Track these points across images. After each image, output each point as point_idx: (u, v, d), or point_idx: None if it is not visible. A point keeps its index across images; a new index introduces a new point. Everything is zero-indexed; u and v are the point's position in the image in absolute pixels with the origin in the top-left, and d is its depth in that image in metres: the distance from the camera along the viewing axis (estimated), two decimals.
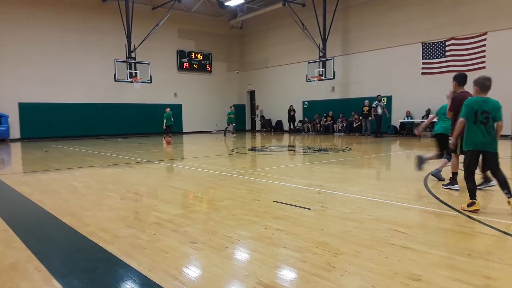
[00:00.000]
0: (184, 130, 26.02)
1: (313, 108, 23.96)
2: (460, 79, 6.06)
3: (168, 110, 19.49)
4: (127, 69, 21.00)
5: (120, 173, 8.72)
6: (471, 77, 5.29)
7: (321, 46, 21.51)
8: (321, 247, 3.50)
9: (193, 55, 26.73)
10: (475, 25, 16.75)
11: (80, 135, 22.27)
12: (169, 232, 4.09)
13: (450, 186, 6.14)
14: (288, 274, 3.01)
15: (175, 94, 25.80)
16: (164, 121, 19.34)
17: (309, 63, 22.07)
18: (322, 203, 5.33)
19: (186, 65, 26.45)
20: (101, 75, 22.38)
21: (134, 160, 10.93)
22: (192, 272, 3.09)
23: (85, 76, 22.23)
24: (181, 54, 26.15)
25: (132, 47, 21.07)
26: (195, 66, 26.93)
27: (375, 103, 18.66)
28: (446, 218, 4.52)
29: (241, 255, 3.47)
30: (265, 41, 26.99)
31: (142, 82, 21.47)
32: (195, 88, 26.88)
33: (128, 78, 21.11)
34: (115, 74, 20.67)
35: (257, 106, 28.67)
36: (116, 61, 20.70)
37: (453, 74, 6.54)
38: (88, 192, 6.45)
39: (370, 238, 3.74)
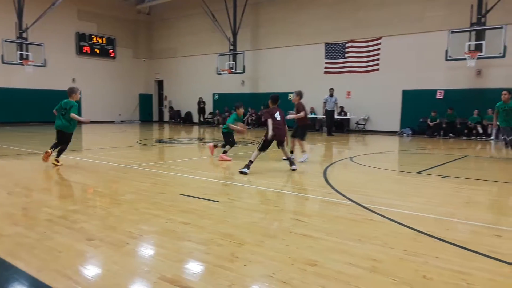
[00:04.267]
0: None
1: (223, 101, 24.05)
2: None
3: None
4: (17, 51, 18.85)
5: (7, 165, 7.79)
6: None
7: (231, 39, 21.65)
8: (226, 239, 3.53)
9: (94, 39, 24.93)
10: (372, 30, 18.33)
11: None
12: (63, 229, 3.77)
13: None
14: (191, 267, 2.98)
15: (73, 80, 23.74)
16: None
17: (219, 55, 22.08)
18: (229, 196, 5.38)
19: (87, 49, 24.58)
20: None
21: (24, 151, 9.85)
22: (88, 270, 2.89)
23: None
24: (81, 37, 24.23)
25: (24, 26, 18.93)
26: (97, 51, 25.16)
27: (326, 97, 17.65)
28: (341, 206, 4.89)
29: (143, 250, 3.34)
30: (175, 29, 26.29)
31: (34, 66, 19.43)
32: (96, 74, 25.11)
33: (18, 61, 18.96)
34: (2, 56, 18.43)
35: (166, 96, 27.86)
36: (4, 41, 18.43)
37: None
38: None
39: (273, 228, 3.88)
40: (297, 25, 20.52)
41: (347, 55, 19.07)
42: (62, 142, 7.77)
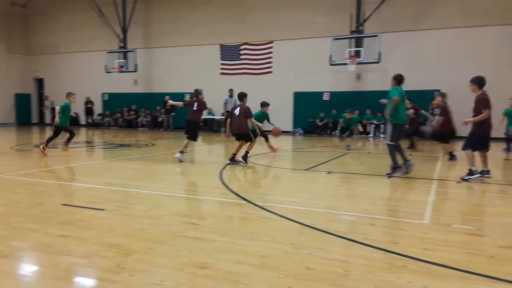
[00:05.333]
0: None
1: (114, 101, 22.68)
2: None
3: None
4: None
5: None
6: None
7: (121, 36, 20.55)
8: (112, 249, 3.30)
9: None
10: (264, 34, 19.03)
11: None
12: None
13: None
14: (70, 284, 2.72)
15: None
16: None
17: (108, 53, 20.77)
18: (118, 203, 5.06)
19: None
20: None
21: None
22: None
23: None
24: None
25: None
26: None
27: (227, 98, 18.00)
28: (235, 206, 4.96)
29: (13, 271, 2.95)
30: (56, 24, 23.91)
31: None
32: None
33: None
34: None
35: (47, 96, 25.18)
36: None
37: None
38: None
39: (164, 234, 3.75)
40: (191, 24, 20.30)
41: (241, 57, 19.51)
42: None
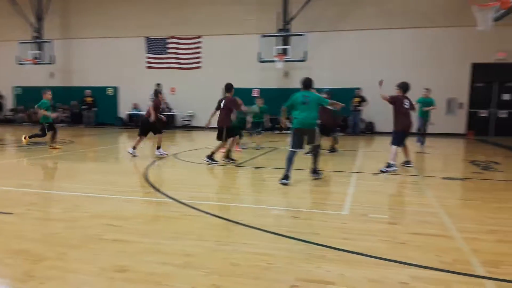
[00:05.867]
0: None
1: (28, 95, 20.82)
2: None
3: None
4: None
5: None
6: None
7: (35, 25, 18.91)
8: (19, 256, 3.02)
9: None
10: (192, 28, 18.70)
11: None
12: None
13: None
14: None
15: None
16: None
17: (20, 43, 19.01)
18: (28, 206, 4.64)
19: None
20: None
21: None
22: None
23: None
24: None
25: None
26: None
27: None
28: (160, 205, 4.80)
29: None
30: None
31: None
32: None
33: None
34: None
35: None
36: None
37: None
38: None
39: (80, 237, 3.51)
40: (115, 16, 19.27)
41: (169, 50, 18.99)
42: None
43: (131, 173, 6.93)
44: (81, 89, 19.43)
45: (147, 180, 6.26)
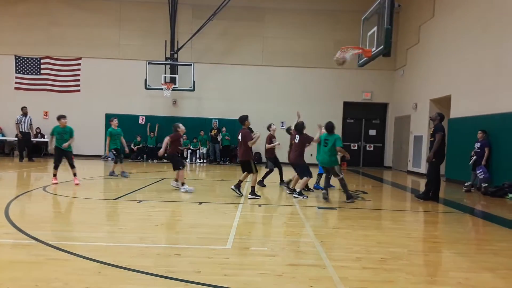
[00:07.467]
0: None
1: None
2: None
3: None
4: None
5: None
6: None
7: None
8: None
9: None
10: (71, 49, 17.47)
11: None
12: None
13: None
14: None
15: None
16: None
17: None
18: None
19: None
20: None
21: None
22: None
23: None
24: None
25: None
26: None
27: (19, 117, 15.14)
28: (21, 248, 4.18)
29: None
30: None
31: None
32: None
33: None
34: None
35: None
36: None
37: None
38: None
39: None
40: None
41: (43, 71, 17.34)
42: None
43: None
44: None
45: (7, 217, 5.44)
